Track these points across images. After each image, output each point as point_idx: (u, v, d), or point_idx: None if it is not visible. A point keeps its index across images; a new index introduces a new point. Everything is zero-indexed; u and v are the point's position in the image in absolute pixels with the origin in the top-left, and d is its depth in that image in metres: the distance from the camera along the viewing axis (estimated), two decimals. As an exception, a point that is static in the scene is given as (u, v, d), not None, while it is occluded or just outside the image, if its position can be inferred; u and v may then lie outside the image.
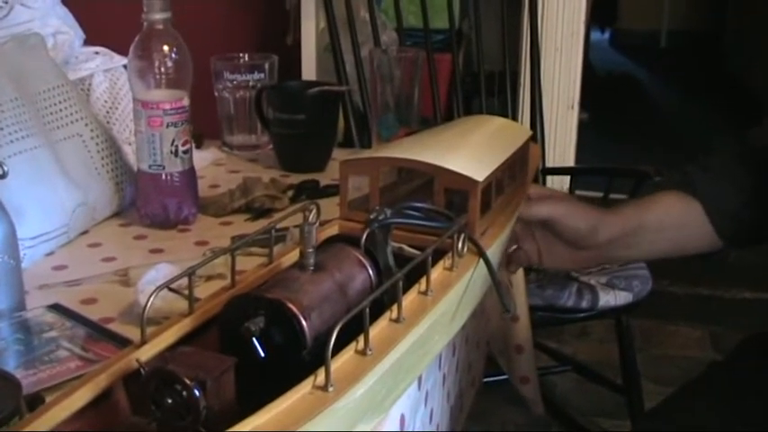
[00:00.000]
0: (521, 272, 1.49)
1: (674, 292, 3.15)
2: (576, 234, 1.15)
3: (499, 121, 1.15)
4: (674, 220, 1.19)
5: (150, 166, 1.26)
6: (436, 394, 1.05)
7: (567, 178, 2.61)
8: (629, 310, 2.08)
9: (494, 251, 0.93)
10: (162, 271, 1.01)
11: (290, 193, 1.41)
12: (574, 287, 1.98)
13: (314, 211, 0.82)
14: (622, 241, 1.18)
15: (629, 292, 2.01)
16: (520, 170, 1.09)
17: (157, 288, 0.69)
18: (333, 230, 0.91)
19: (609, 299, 1.99)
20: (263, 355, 0.66)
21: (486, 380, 1.56)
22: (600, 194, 2.13)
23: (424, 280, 0.78)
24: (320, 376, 0.62)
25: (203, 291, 0.78)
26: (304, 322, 0.66)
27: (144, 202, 1.30)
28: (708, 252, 1.23)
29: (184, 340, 0.70)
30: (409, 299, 0.75)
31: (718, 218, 1.18)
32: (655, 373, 2.56)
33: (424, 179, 0.98)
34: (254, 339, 0.66)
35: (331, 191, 1.38)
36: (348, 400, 0.63)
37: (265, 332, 0.67)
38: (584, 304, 1.97)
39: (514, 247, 1.19)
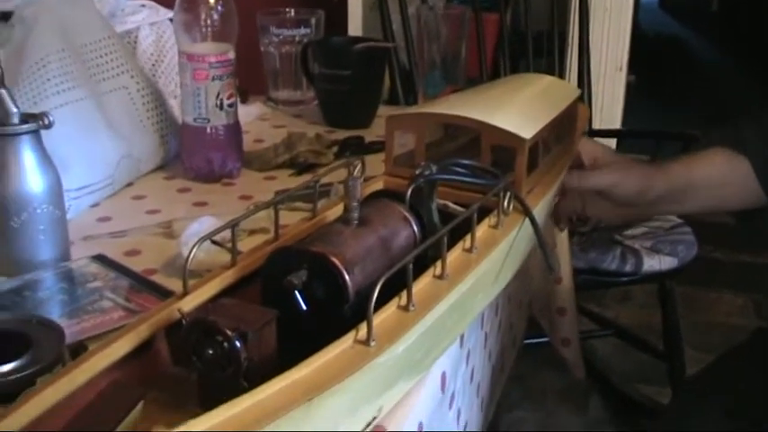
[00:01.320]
0: (565, 233, 1.48)
1: (718, 259, 3.12)
2: (626, 198, 1.14)
3: (548, 80, 1.13)
4: (720, 177, 1.18)
5: (195, 120, 1.26)
6: (478, 353, 1.04)
7: (614, 141, 2.59)
8: (673, 276, 2.06)
9: (540, 210, 0.92)
10: (205, 224, 1.01)
11: (335, 149, 1.40)
12: (618, 251, 1.96)
13: (359, 165, 0.81)
14: (669, 198, 1.17)
15: (673, 257, 1.99)
16: (567, 130, 1.08)
17: (200, 239, 0.68)
18: (377, 186, 0.91)
19: (653, 263, 1.97)
20: (304, 308, 0.66)
21: (525, 342, 1.55)
22: (646, 158, 2.10)
23: (468, 237, 0.77)
24: (362, 331, 0.61)
25: (246, 244, 0.78)
26: (347, 276, 0.66)
27: (188, 155, 1.30)
28: (750, 209, 1.22)
29: (226, 292, 0.70)
30: (453, 256, 0.74)
31: (766, 177, 1.16)
32: (697, 340, 2.54)
33: (471, 136, 0.97)
34: (296, 292, 0.66)
35: (376, 147, 1.37)
36: (389, 356, 0.62)
37: (308, 285, 0.66)
38: (628, 268, 1.96)
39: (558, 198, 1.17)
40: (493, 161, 0.88)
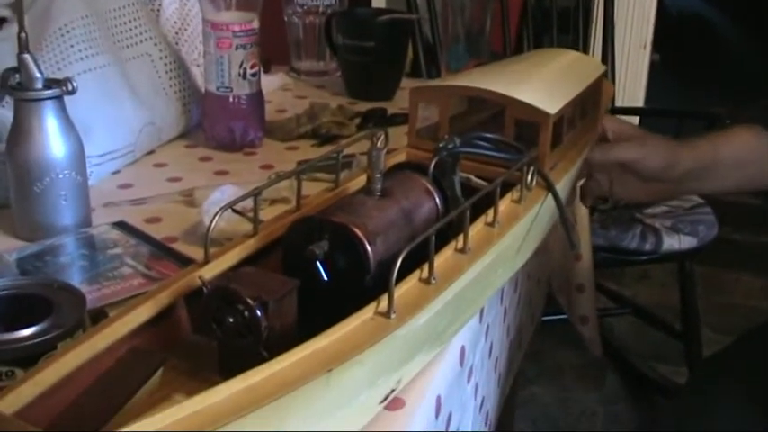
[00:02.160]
0: (585, 210, 1.47)
1: (738, 240, 3.11)
2: (652, 173, 1.13)
3: (573, 55, 1.13)
4: (748, 156, 1.16)
5: (218, 88, 1.26)
6: (497, 328, 1.04)
7: (636, 119, 2.57)
8: (692, 255, 2.06)
9: (563, 186, 0.91)
10: (227, 192, 1.00)
11: (357, 120, 1.40)
12: (638, 229, 1.96)
13: (382, 137, 0.81)
14: (695, 174, 1.15)
15: (693, 236, 1.99)
16: (592, 106, 1.07)
17: (222, 207, 0.68)
18: (400, 158, 0.90)
19: (673, 242, 1.96)
20: (326, 278, 0.66)
21: (544, 318, 1.55)
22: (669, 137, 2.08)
23: (490, 211, 0.76)
24: (383, 302, 0.61)
25: (267, 214, 0.77)
26: (368, 247, 0.66)
27: (210, 123, 1.30)
28: None
29: (247, 261, 0.70)
30: (475, 230, 0.74)
31: None
32: (714, 321, 2.54)
33: (495, 110, 0.96)
34: (317, 262, 0.66)
35: (398, 120, 1.37)
36: (410, 328, 0.62)
37: (329, 256, 0.66)
38: (648, 247, 1.95)
39: (584, 178, 1.16)
40: (516, 136, 0.87)
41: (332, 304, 0.62)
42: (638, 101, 3.05)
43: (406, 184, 0.76)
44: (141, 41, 1.28)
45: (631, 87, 3.01)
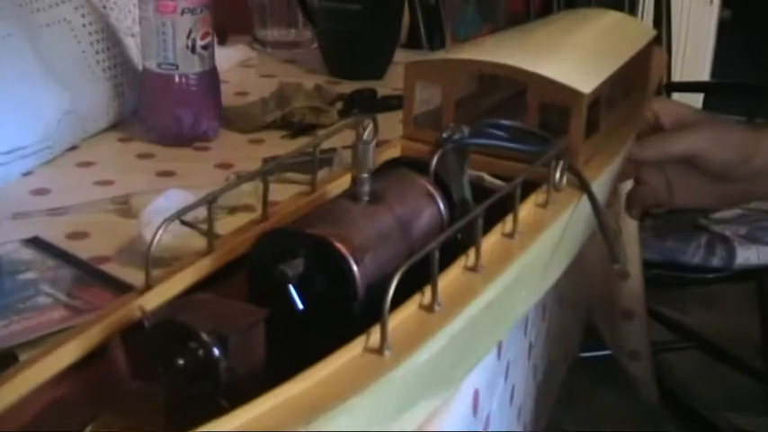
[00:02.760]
0: (633, 216, 1.48)
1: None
2: (725, 167, 1.12)
3: (613, 17, 1.13)
4: None
5: (160, 65, 1.26)
6: (519, 367, 1.05)
7: (700, 98, 2.57)
8: (775, 272, 2.06)
9: (600, 185, 0.92)
10: (173, 199, 1.01)
11: (339, 104, 1.41)
12: (703, 239, 1.96)
13: (370, 126, 0.82)
14: None
15: (775, 247, 1.99)
16: (638, 82, 1.08)
17: (167, 218, 0.69)
18: (393, 152, 0.91)
19: (749, 256, 1.96)
20: (301, 306, 0.67)
21: (581, 354, 1.56)
22: (741, 119, 2.09)
23: (509, 219, 0.77)
24: (374, 336, 0.62)
25: (226, 226, 0.78)
26: (354, 266, 0.66)
27: (151, 111, 1.30)
28: None
29: (201, 286, 0.71)
30: (490, 242, 0.75)
31: None
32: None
33: (513, 91, 0.97)
34: (290, 287, 0.66)
35: (391, 103, 1.38)
36: (409, 368, 0.63)
37: (305, 278, 0.67)
38: (716, 262, 1.96)
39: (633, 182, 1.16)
40: (541, 122, 0.88)
41: (310, 339, 0.63)
42: (704, 72, 3.05)
43: (401, 185, 0.77)
44: (57, 3, 1.28)
45: (693, 56, 3.02)
